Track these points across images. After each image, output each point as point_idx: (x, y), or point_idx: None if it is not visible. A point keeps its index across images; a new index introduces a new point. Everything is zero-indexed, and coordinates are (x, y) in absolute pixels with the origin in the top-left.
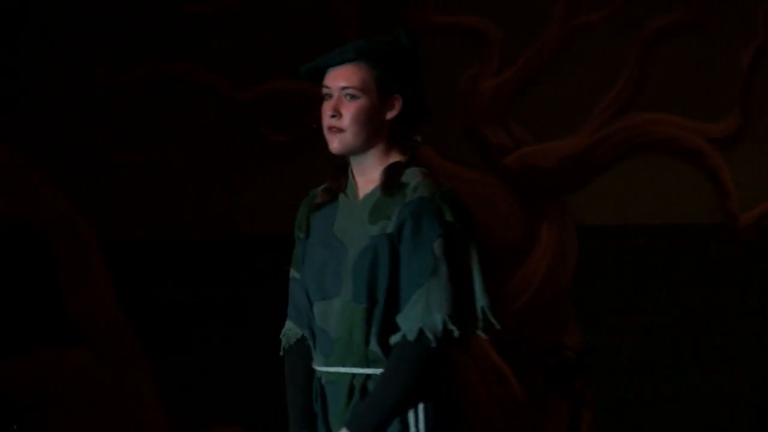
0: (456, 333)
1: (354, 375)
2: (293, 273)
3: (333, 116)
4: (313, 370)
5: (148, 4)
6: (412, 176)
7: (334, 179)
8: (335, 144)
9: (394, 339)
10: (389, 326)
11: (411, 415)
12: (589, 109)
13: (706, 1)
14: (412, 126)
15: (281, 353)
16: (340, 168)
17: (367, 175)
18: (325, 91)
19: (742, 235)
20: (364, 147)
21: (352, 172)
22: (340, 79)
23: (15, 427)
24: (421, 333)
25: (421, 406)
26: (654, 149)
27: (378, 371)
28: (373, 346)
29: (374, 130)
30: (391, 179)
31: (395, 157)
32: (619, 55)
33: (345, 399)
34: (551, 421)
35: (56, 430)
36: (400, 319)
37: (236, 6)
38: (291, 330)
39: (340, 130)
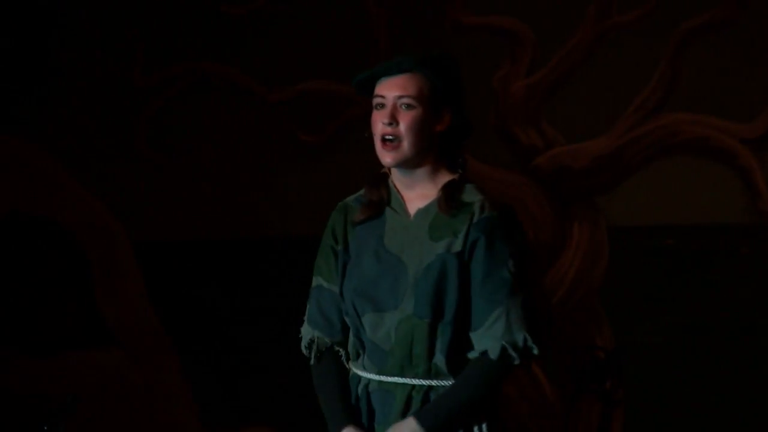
0: (535, 350)
1: (414, 386)
2: (321, 282)
3: (389, 124)
4: (348, 376)
5: (182, 5)
6: (471, 193)
7: (375, 191)
8: (389, 158)
9: (472, 355)
10: (457, 342)
11: (476, 428)
12: (621, 109)
13: (739, 1)
14: (458, 140)
15: (311, 362)
16: (378, 179)
17: (416, 190)
18: (378, 100)
19: None
20: (416, 159)
21: (394, 184)
22: (396, 88)
23: (45, 428)
24: (504, 351)
25: (485, 424)
26: (686, 149)
27: (442, 383)
28: (438, 360)
29: (427, 142)
30: (453, 199)
31: (444, 172)
32: (651, 55)
33: (400, 408)
34: (582, 421)
35: (88, 430)
36: (477, 337)
37: (268, 7)
38: (319, 340)
39: (396, 139)
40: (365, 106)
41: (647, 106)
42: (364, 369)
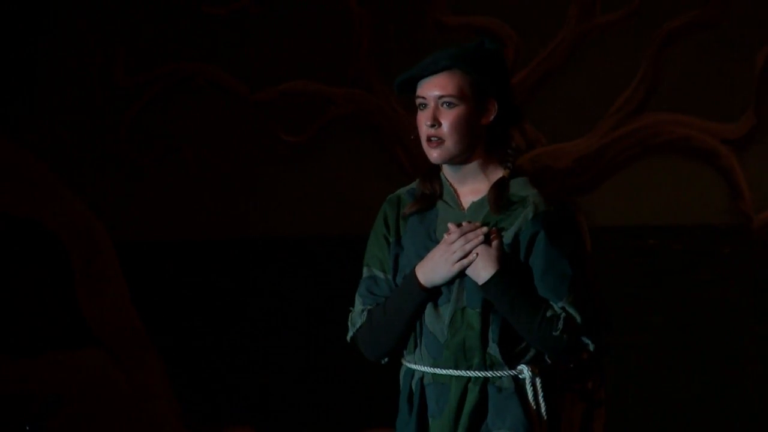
0: (591, 347)
1: (470, 378)
2: (375, 272)
3: (432, 125)
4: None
5: (164, 5)
6: (523, 188)
7: (428, 184)
8: (435, 155)
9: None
10: (509, 331)
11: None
12: (602, 109)
13: (721, 2)
14: (507, 128)
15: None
16: (431, 172)
17: (468, 184)
18: (419, 101)
19: (755, 235)
20: (463, 155)
21: (446, 178)
22: (435, 88)
23: (27, 428)
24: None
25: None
26: (668, 150)
27: (497, 374)
28: (492, 349)
29: (473, 137)
30: (501, 198)
31: (495, 165)
32: (633, 55)
33: (455, 400)
34: (563, 421)
35: (70, 431)
36: None
37: (251, 7)
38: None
39: (440, 140)
40: (347, 106)
41: (629, 106)
42: (420, 361)
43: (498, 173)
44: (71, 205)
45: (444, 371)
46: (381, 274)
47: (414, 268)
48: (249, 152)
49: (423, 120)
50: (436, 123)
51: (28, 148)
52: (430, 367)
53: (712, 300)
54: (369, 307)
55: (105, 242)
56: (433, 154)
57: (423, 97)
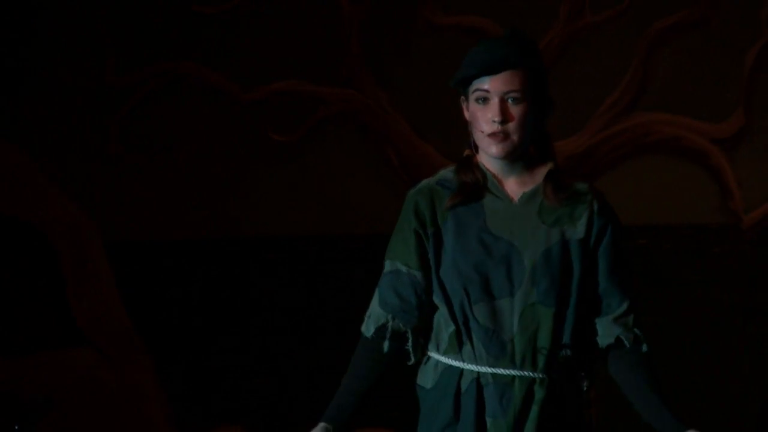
0: (645, 347)
1: (535, 379)
2: (398, 266)
3: (502, 122)
4: (385, 368)
5: (154, 4)
6: (575, 182)
7: (468, 173)
8: (497, 149)
9: (604, 342)
10: (580, 331)
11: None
12: (592, 109)
13: (711, 2)
14: (543, 121)
15: (386, 350)
16: (469, 162)
17: (513, 175)
18: (480, 95)
19: (745, 235)
20: (522, 149)
21: (487, 168)
22: (503, 83)
23: (16, 428)
24: (636, 339)
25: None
26: (657, 149)
27: (562, 378)
28: (564, 352)
29: (533, 132)
30: (560, 189)
31: (535, 157)
32: (623, 54)
33: (519, 401)
34: None
35: (60, 431)
36: (606, 323)
37: (241, 7)
38: (393, 324)
39: (506, 135)
40: (337, 106)
41: (619, 106)
42: (474, 361)
43: (542, 165)
44: (61, 205)
45: (507, 371)
46: (404, 268)
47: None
48: (239, 152)
49: (489, 115)
50: (505, 119)
51: (19, 148)
52: (490, 366)
53: (702, 299)
54: (390, 318)
55: (95, 242)
56: (496, 149)
57: (486, 91)
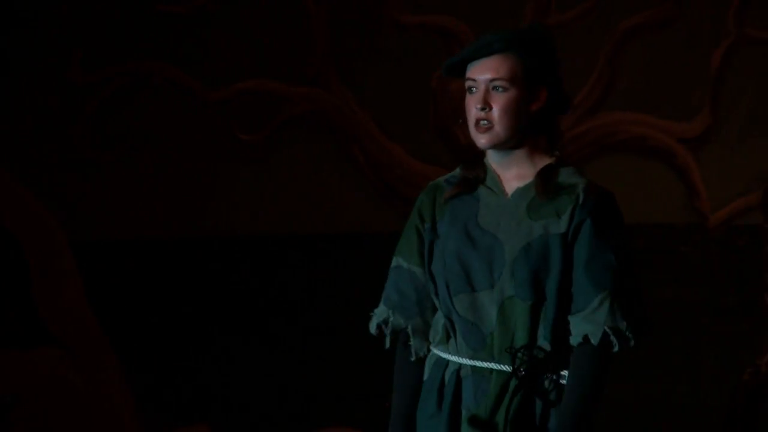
0: (632, 342)
1: (512, 373)
2: (400, 262)
3: (482, 109)
4: (420, 366)
5: (120, 4)
6: (571, 176)
7: (470, 169)
8: (483, 140)
9: (574, 341)
10: (559, 326)
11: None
12: None
13: (677, 1)
14: (554, 117)
15: (387, 346)
16: (475, 158)
17: (513, 170)
18: (469, 84)
19: (711, 234)
20: (512, 141)
21: (490, 164)
22: (488, 70)
23: None
24: (605, 337)
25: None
26: (624, 149)
27: (541, 374)
28: (542, 345)
29: (522, 123)
30: (549, 183)
31: (540, 151)
32: (589, 54)
33: (494, 395)
34: None
35: (26, 430)
36: (578, 320)
37: (208, 6)
38: (394, 321)
39: (490, 125)
40: (304, 105)
41: (585, 105)
42: (456, 353)
43: (545, 160)
44: (27, 204)
45: (485, 364)
46: (405, 264)
47: None
48: (206, 151)
49: (473, 103)
50: (486, 106)
51: None
52: (470, 359)
53: (669, 298)
54: (390, 314)
55: (62, 241)
56: (482, 140)
57: (473, 80)
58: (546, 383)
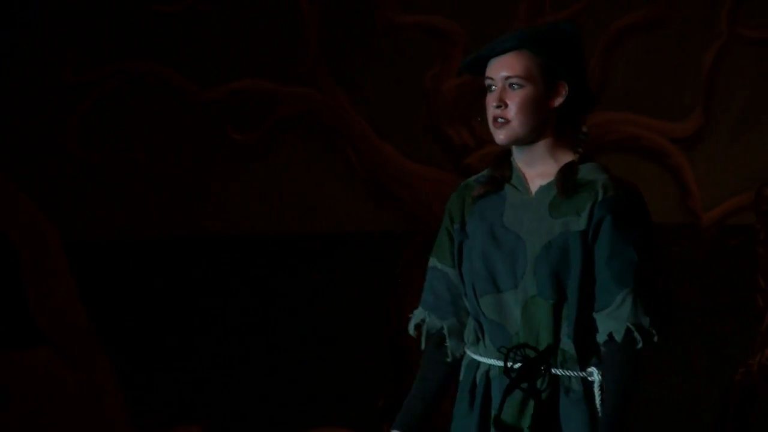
0: (655, 338)
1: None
2: (435, 263)
3: (498, 107)
4: (450, 369)
5: (113, 3)
6: (593, 172)
7: (497, 168)
8: (501, 136)
9: (600, 338)
10: (582, 325)
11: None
12: None
13: (670, 1)
14: (578, 113)
15: (422, 346)
16: (502, 157)
17: (536, 167)
18: (488, 82)
19: (704, 234)
20: (531, 137)
21: (515, 162)
22: (502, 68)
23: None
24: (628, 333)
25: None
26: (617, 149)
27: (567, 373)
28: (566, 345)
29: (541, 120)
30: (569, 180)
31: (564, 148)
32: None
33: (522, 396)
34: None
35: (18, 430)
36: (602, 318)
37: (200, 5)
38: (429, 322)
39: (506, 121)
40: (297, 105)
41: None
42: (485, 354)
43: (567, 157)
44: (20, 204)
45: (511, 364)
46: (439, 265)
47: None
48: (199, 151)
49: (490, 101)
50: (502, 104)
51: None
52: (497, 359)
53: None
54: (426, 315)
55: (54, 241)
56: (499, 136)
57: (491, 78)
58: (573, 382)
